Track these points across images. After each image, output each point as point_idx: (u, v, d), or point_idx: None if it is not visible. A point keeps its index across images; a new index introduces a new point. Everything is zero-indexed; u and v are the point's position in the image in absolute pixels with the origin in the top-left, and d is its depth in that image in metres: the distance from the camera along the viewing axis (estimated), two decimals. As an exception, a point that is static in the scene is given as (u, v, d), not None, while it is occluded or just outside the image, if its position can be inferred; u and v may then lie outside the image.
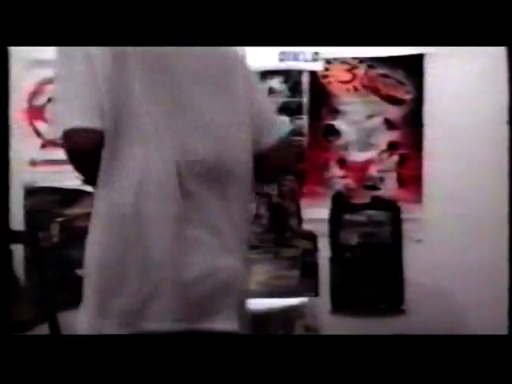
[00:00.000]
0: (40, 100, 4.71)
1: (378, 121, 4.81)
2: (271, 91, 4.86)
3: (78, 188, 4.72)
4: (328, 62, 4.82)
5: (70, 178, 4.67)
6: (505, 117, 4.52)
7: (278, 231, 3.85)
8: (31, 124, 4.68)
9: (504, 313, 4.50)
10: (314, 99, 4.84)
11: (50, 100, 4.71)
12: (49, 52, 4.56)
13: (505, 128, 4.54)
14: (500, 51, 4.53)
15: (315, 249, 4.20)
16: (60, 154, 4.67)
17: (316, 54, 4.83)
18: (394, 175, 4.79)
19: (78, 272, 4.66)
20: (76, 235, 4.71)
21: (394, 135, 4.80)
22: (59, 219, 4.69)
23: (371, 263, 4.76)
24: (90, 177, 2.55)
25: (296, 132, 4.79)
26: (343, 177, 4.82)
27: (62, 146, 2.60)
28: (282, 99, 4.86)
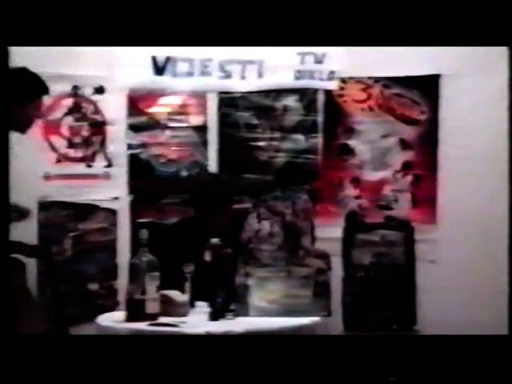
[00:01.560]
0: (56, 115, 4.73)
1: (392, 140, 4.81)
2: (286, 109, 4.87)
3: (91, 203, 4.74)
4: (343, 81, 4.82)
5: (84, 193, 4.72)
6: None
7: (290, 250, 3.84)
8: (46, 139, 4.69)
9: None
10: (329, 118, 4.84)
11: (66, 114, 4.73)
12: (64, 67, 4.65)
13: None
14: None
15: (328, 268, 4.17)
16: (74, 168, 4.74)
17: (332, 72, 4.83)
18: (408, 195, 4.78)
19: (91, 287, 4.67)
20: (89, 250, 4.72)
21: (408, 155, 4.79)
22: (72, 234, 4.70)
23: (384, 283, 4.74)
24: None
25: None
26: (357, 196, 4.81)
27: None
28: (297, 117, 4.86)
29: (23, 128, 3.98)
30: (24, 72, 3.95)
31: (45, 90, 4.04)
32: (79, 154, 4.77)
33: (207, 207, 4.30)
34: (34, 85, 3.98)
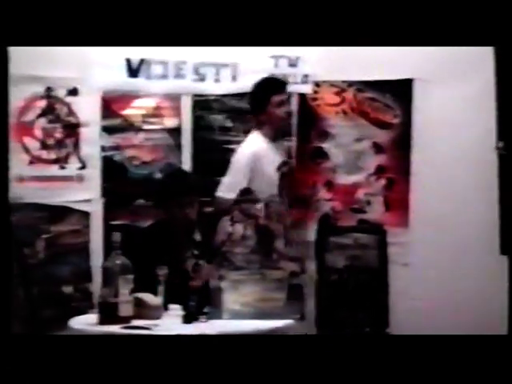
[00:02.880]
0: (29, 116, 4.70)
1: (366, 144, 4.82)
2: (260, 112, 4.87)
3: (64, 205, 4.72)
4: (317, 84, 4.83)
5: (57, 195, 4.70)
6: (493, 142, 4.53)
7: (264, 253, 3.85)
8: (19, 140, 4.66)
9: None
10: (303, 121, 4.85)
11: (39, 116, 4.71)
12: (37, 68, 4.62)
13: (492, 153, 4.55)
14: (488, 76, 4.54)
15: (301, 271, 4.19)
16: (47, 170, 4.72)
17: (305, 76, 4.84)
18: (380, 199, 4.80)
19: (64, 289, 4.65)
20: (62, 252, 4.70)
21: (381, 159, 4.81)
22: (45, 236, 4.67)
23: (357, 286, 4.76)
24: None
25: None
26: (330, 199, 4.83)
27: None
28: (271, 121, 4.86)
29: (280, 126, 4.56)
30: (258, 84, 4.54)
31: (280, 84, 4.54)
32: (52, 155, 4.74)
33: (175, 201, 4.28)
34: (265, 88, 4.54)
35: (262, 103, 4.51)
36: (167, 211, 4.32)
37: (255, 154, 4.43)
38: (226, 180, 4.44)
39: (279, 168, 4.52)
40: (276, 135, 4.56)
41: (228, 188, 4.31)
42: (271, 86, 4.55)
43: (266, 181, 4.34)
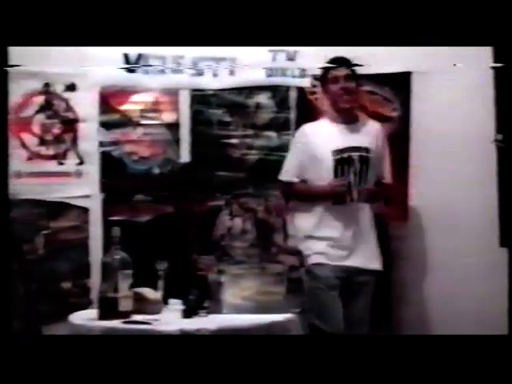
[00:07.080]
0: (27, 112, 4.69)
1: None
2: (259, 106, 4.87)
3: (62, 201, 4.72)
4: (315, 78, 4.82)
5: (56, 191, 4.69)
6: (491, 134, 4.52)
7: (263, 247, 3.84)
8: (18, 136, 4.66)
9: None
10: (301, 115, 4.84)
11: (37, 112, 4.70)
12: (35, 64, 4.61)
13: (491, 145, 4.53)
14: (487, 68, 4.53)
15: (301, 265, 4.18)
16: (45, 166, 4.71)
17: (303, 70, 4.84)
18: (380, 192, 4.78)
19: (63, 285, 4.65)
20: (61, 248, 4.69)
21: (380, 152, 4.79)
22: (44, 232, 4.67)
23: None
24: None
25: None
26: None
27: None
28: (269, 115, 4.86)
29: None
30: None
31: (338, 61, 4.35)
32: (51, 151, 4.74)
33: (184, 196, 4.28)
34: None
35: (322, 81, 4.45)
36: (174, 204, 4.31)
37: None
38: None
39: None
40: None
41: None
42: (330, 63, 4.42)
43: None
